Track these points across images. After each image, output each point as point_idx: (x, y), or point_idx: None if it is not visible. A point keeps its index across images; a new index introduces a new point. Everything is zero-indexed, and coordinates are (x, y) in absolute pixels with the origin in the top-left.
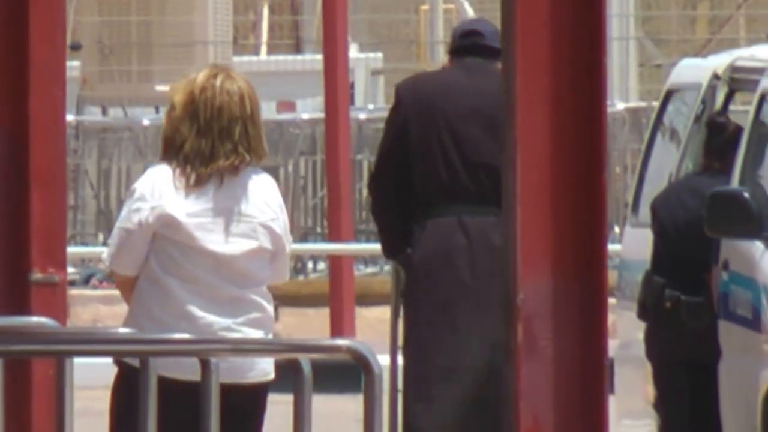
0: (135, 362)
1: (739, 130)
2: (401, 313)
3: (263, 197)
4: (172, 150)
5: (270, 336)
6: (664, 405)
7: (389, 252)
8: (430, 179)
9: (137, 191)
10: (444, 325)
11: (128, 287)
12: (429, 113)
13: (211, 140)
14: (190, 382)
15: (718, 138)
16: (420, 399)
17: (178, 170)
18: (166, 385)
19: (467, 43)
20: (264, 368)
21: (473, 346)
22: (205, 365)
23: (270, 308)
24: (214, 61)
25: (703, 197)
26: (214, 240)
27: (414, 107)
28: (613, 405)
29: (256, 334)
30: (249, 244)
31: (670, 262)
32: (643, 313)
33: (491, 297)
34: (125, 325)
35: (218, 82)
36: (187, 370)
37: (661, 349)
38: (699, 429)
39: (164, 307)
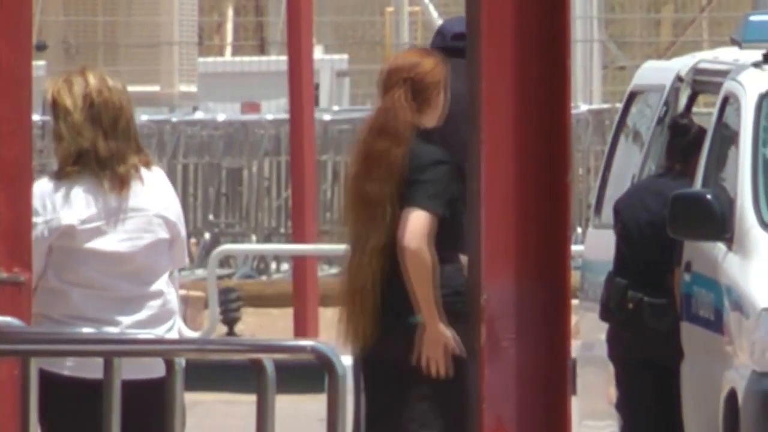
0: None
1: (701, 132)
2: None
3: (153, 188)
4: (81, 155)
5: (173, 329)
6: (626, 406)
7: None
8: None
9: (39, 203)
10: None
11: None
12: None
13: (119, 140)
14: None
15: (680, 140)
16: None
17: (90, 176)
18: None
19: (461, 45)
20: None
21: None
22: (169, 365)
23: (172, 297)
24: (180, 62)
25: (666, 199)
26: (109, 241)
27: None
28: (576, 406)
29: (161, 328)
30: (146, 239)
31: (633, 263)
32: (605, 314)
33: None
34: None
35: (110, 81)
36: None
37: (623, 350)
38: (661, 430)
39: (62, 312)
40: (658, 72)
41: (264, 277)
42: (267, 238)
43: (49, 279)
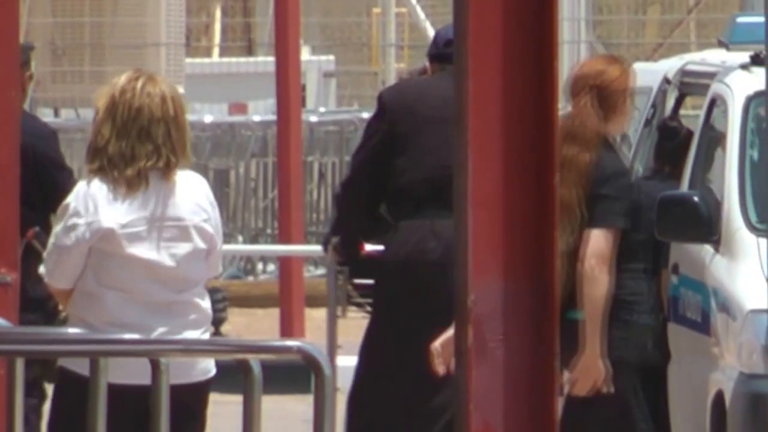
0: (81, 370)
1: (690, 134)
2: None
3: (194, 198)
4: (96, 154)
5: (206, 334)
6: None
7: (347, 253)
8: (409, 182)
9: (71, 207)
10: (415, 327)
11: (65, 297)
12: (411, 120)
13: (131, 141)
14: (135, 386)
15: (669, 142)
16: (373, 397)
17: (105, 178)
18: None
19: (451, 52)
20: (204, 366)
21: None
22: (155, 366)
23: (206, 306)
24: (167, 63)
25: (654, 201)
26: (149, 248)
27: (397, 113)
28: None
29: (194, 335)
30: (184, 248)
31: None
32: None
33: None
34: None
35: (139, 84)
36: (132, 375)
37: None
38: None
39: (98, 317)
40: (645, 74)
41: (250, 278)
42: (253, 239)
43: (87, 282)
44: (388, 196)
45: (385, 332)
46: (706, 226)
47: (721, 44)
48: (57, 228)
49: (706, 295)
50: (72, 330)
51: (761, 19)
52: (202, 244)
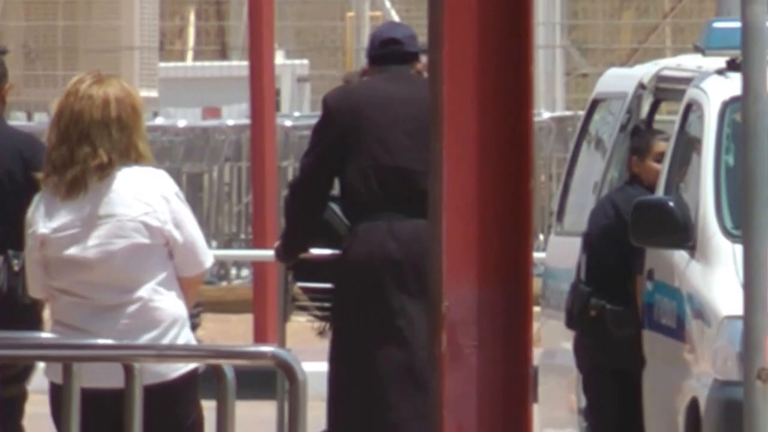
0: (57, 379)
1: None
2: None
3: (132, 192)
4: (46, 160)
5: (168, 335)
6: (592, 413)
7: (289, 255)
8: (362, 185)
9: (27, 218)
10: (379, 328)
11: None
12: (359, 123)
13: (71, 145)
14: (110, 390)
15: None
16: (347, 402)
17: (51, 182)
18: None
19: (387, 52)
20: (159, 370)
21: (408, 348)
22: (128, 371)
23: (170, 303)
24: (141, 67)
25: (629, 206)
26: (82, 248)
27: (345, 117)
28: (537, 413)
29: (153, 334)
30: (118, 244)
31: (597, 271)
32: (570, 322)
33: (422, 300)
34: None
35: (83, 87)
36: (106, 379)
37: (588, 357)
38: None
39: (64, 325)
40: (620, 79)
41: (224, 283)
42: (227, 244)
43: (49, 288)
44: (342, 199)
45: (354, 333)
46: (681, 231)
47: (697, 49)
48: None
49: (681, 301)
50: (45, 335)
51: (737, 24)
52: (143, 239)
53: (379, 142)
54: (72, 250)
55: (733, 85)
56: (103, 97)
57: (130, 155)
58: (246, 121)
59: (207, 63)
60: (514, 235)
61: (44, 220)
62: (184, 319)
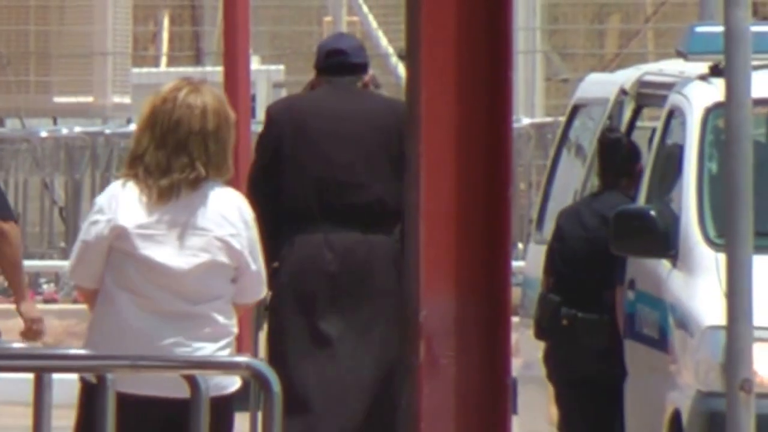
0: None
1: (634, 146)
2: (264, 327)
3: (221, 211)
4: (134, 161)
5: (227, 350)
6: (566, 426)
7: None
8: (301, 197)
9: (97, 204)
10: (313, 340)
11: (92, 300)
12: (301, 135)
13: (167, 153)
14: (162, 399)
15: (614, 155)
16: (290, 415)
17: (141, 184)
18: (132, 402)
19: (334, 63)
20: (218, 382)
21: (342, 360)
22: (102, 381)
23: (227, 322)
24: (114, 72)
25: (603, 216)
26: (164, 252)
27: (286, 128)
28: (516, 425)
29: (209, 348)
30: (201, 258)
31: (570, 280)
32: (539, 333)
33: (357, 312)
34: (85, 341)
35: (181, 95)
36: (152, 387)
37: (560, 368)
38: None
39: (114, 323)
40: (601, 85)
41: None
42: None
43: (106, 282)
44: (281, 211)
45: (284, 344)
46: (663, 240)
47: (680, 54)
48: (83, 225)
49: (663, 311)
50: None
51: (720, 28)
52: (224, 259)
53: (318, 155)
54: (153, 252)
55: (715, 90)
56: (201, 107)
57: (223, 169)
58: None
59: (181, 68)
60: (493, 244)
61: (126, 213)
62: (233, 341)
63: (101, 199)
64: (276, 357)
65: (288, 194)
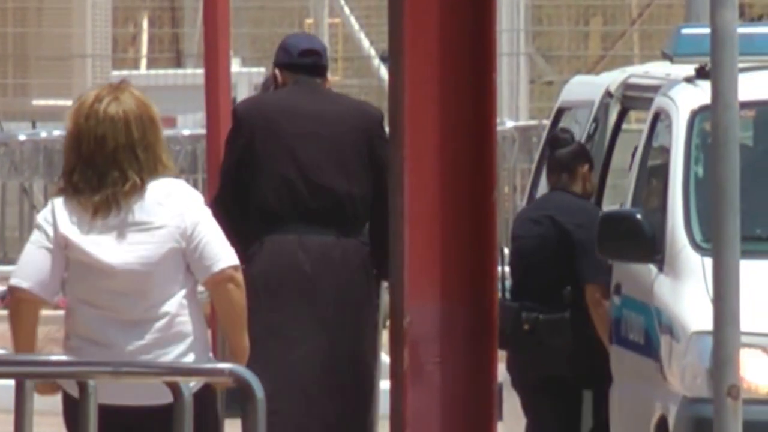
0: (74, 392)
1: (581, 146)
2: None
3: (158, 200)
4: (65, 177)
5: (190, 352)
6: (534, 430)
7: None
8: (272, 197)
9: (40, 217)
10: (283, 341)
11: (22, 314)
12: (272, 135)
13: (98, 170)
14: (125, 407)
15: (563, 154)
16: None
17: (74, 200)
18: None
19: (309, 63)
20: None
21: (312, 361)
22: (82, 388)
23: (185, 318)
24: (93, 75)
25: (550, 216)
26: (112, 254)
27: (257, 128)
28: (502, 431)
29: (170, 352)
30: (150, 251)
31: (529, 283)
32: (503, 342)
33: (331, 314)
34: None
35: (102, 107)
36: (127, 396)
37: (524, 375)
38: None
39: (77, 336)
40: (586, 87)
41: None
42: None
43: (68, 299)
44: (251, 211)
45: (257, 346)
46: (649, 245)
47: (665, 56)
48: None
49: (650, 316)
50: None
51: (706, 30)
52: (172, 244)
53: (291, 155)
54: (99, 254)
55: (702, 93)
56: (124, 118)
57: (157, 170)
58: (202, 130)
59: (161, 71)
60: (478, 249)
61: (68, 223)
62: (207, 337)
63: (41, 217)
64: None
65: (259, 194)
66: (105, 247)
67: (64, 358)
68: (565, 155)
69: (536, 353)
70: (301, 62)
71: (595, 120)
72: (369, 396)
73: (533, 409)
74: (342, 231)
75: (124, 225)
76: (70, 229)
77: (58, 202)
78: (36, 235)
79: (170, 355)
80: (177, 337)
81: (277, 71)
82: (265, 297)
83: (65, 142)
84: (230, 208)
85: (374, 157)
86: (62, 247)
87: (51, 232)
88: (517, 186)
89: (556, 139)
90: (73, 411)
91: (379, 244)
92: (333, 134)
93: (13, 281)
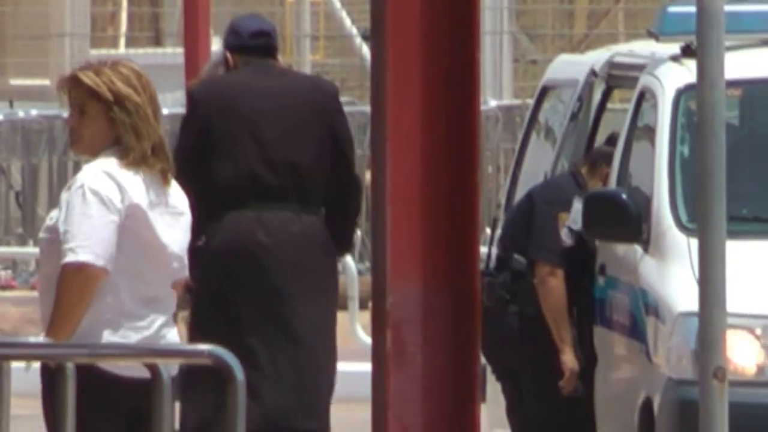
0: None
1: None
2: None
3: (174, 185)
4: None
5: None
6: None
7: None
8: (231, 176)
9: (102, 190)
10: (241, 319)
11: (92, 291)
12: (230, 114)
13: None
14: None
15: (602, 147)
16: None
17: (147, 172)
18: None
19: (261, 44)
20: None
21: (276, 337)
22: (60, 370)
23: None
24: (72, 54)
25: (531, 191)
26: (168, 233)
27: (213, 109)
28: (485, 414)
29: (173, 330)
30: (182, 236)
31: (507, 257)
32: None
33: (291, 290)
34: (84, 327)
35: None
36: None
37: (494, 356)
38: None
39: (111, 306)
40: (571, 66)
41: None
42: None
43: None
44: (211, 190)
45: (216, 319)
46: (634, 225)
47: (651, 35)
48: (81, 207)
49: (635, 297)
50: None
51: (692, 8)
52: (188, 231)
53: (249, 133)
54: (163, 233)
55: (688, 72)
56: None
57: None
58: (181, 110)
59: (140, 50)
60: (461, 230)
61: (139, 195)
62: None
63: (102, 190)
64: (203, 332)
65: (217, 174)
66: (162, 225)
67: (42, 340)
68: (602, 151)
69: (501, 332)
70: (253, 44)
71: (580, 99)
72: (333, 361)
73: (504, 394)
74: (302, 207)
75: (167, 206)
76: (140, 201)
77: (122, 174)
78: (99, 209)
79: (172, 328)
80: (170, 314)
81: (227, 54)
82: (222, 277)
83: (143, 115)
84: (189, 191)
85: (333, 132)
86: (126, 220)
87: (119, 205)
88: (500, 166)
89: (611, 137)
90: (51, 392)
91: (337, 219)
92: (290, 110)
93: (86, 258)
